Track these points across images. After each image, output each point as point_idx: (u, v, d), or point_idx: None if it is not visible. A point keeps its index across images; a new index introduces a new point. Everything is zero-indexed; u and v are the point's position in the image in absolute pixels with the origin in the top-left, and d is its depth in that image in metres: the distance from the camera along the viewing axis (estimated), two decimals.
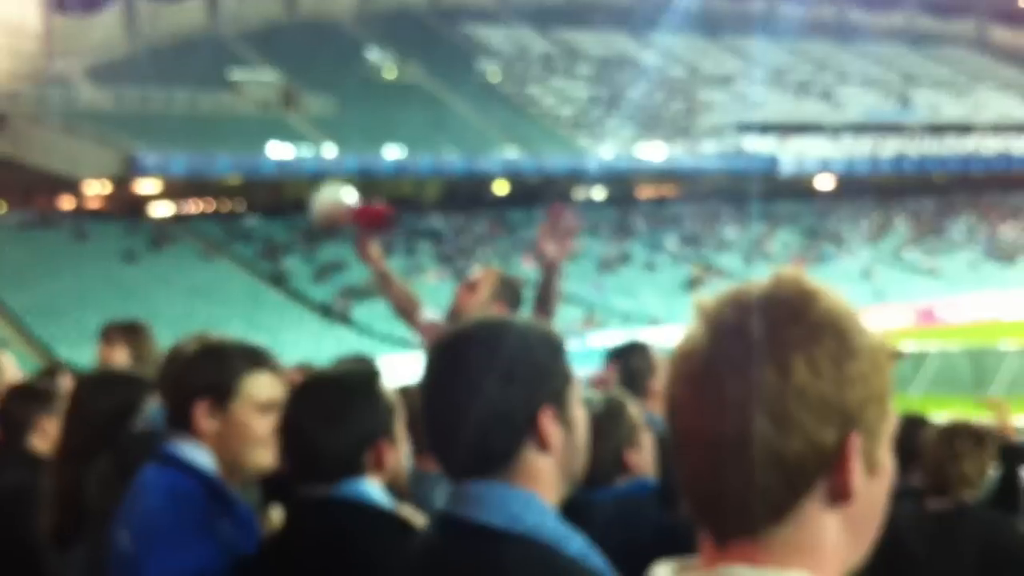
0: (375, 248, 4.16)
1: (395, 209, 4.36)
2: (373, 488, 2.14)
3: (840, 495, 1.04)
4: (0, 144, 42.20)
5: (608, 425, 2.89)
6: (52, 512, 2.94)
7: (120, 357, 4.22)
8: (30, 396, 3.77)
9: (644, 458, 3.02)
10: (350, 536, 2.07)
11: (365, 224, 4.19)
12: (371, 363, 2.30)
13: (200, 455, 2.39)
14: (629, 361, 3.96)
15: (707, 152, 57.76)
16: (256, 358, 2.47)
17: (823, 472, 1.03)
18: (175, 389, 2.46)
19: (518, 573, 1.53)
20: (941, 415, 5.71)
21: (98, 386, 3.07)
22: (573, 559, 1.57)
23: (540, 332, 1.68)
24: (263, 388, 2.43)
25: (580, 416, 1.67)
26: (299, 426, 2.15)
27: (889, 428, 1.08)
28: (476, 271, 4.03)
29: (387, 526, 2.10)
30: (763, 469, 1.02)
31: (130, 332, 4.37)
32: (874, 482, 1.07)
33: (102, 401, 2.98)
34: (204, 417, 2.39)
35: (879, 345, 1.07)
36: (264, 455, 2.41)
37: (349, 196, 4.26)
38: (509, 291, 3.86)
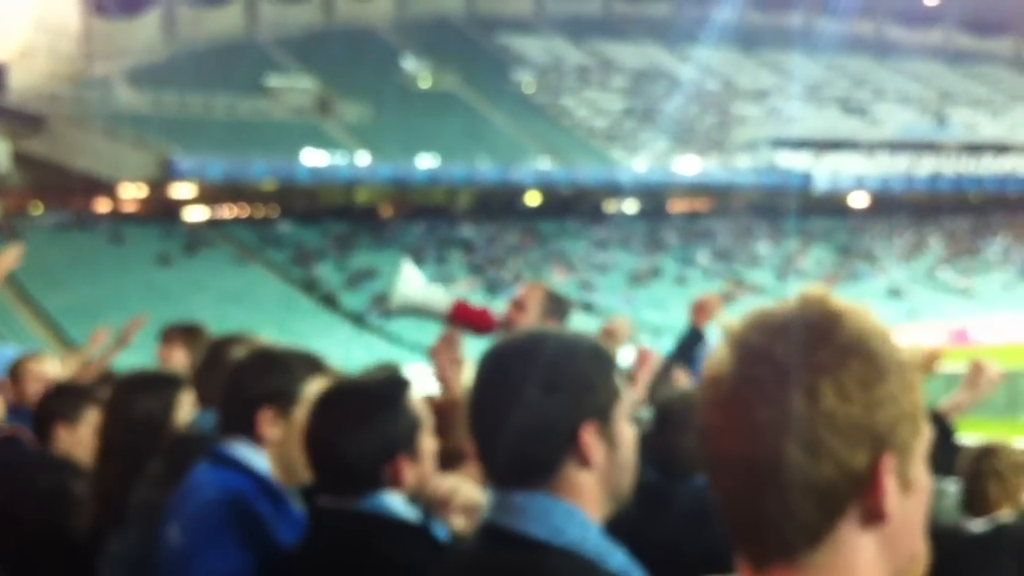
0: (457, 348, 3.94)
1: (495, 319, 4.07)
2: (395, 500, 2.11)
3: (875, 516, 1.03)
4: (38, 145, 42.63)
5: (693, 417, 2.84)
6: (91, 511, 2.99)
7: (179, 358, 4.26)
8: (54, 400, 3.85)
9: None
10: (373, 548, 2.05)
11: (466, 324, 4.00)
12: (399, 373, 2.26)
13: (255, 456, 2.41)
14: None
15: (741, 167, 57.62)
16: (313, 363, 2.51)
17: (856, 495, 1.02)
18: (237, 397, 2.47)
19: None
20: (973, 437, 5.65)
21: (135, 387, 3.12)
22: (614, 574, 1.57)
23: (589, 346, 1.68)
24: None
25: (626, 434, 1.66)
26: (318, 434, 2.13)
27: (923, 444, 1.07)
28: (520, 288, 3.99)
29: (411, 538, 2.08)
30: (795, 495, 1.01)
31: (188, 334, 4.42)
32: (909, 499, 1.06)
33: (139, 402, 3.03)
34: (268, 424, 2.42)
35: (909, 362, 1.07)
36: None
37: (427, 287, 4.14)
38: (557, 305, 3.84)
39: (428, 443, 2.20)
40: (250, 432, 2.43)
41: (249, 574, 2.24)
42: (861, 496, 1.02)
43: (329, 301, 39.93)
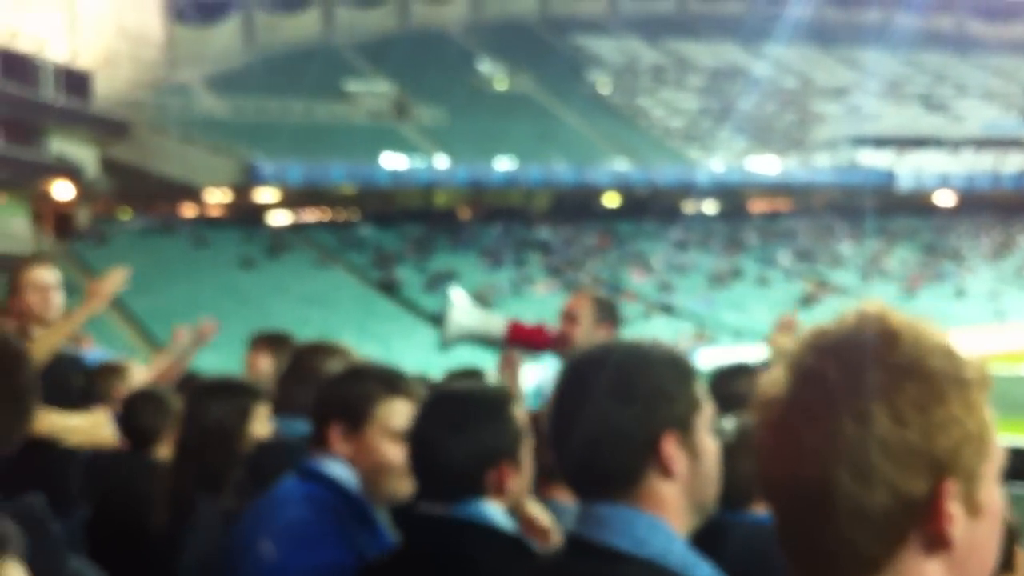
0: (518, 366, 4.06)
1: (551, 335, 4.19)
2: (494, 510, 2.10)
3: (938, 543, 0.98)
4: (124, 151, 43.49)
5: (751, 442, 2.76)
6: (164, 512, 3.07)
7: (264, 365, 4.34)
8: (157, 405, 3.91)
9: None
10: (468, 556, 2.04)
11: (524, 344, 4.10)
12: (487, 379, 2.28)
13: (344, 472, 2.41)
14: (731, 385, 3.81)
15: (821, 165, 56.89)
16: (393, 384, 2.44)
17: (916, 522, 0.98)
18: (314, 408, 2.48)
19: None
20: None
21: (211, 394, 3.19)
22: None
23: (667, 356, 1.67)
24: (398, 415, 2.40)
25: (708, 445, 1.66)
26: (423, 437, 2.13)
27: (993, 466, 1.01)
28: (570, 299, 3.97)
29: (507, 548, 2.06)
30: (847, 523, 0.98)
31: (275, 342, 4.49)
32: (979, 524, 1.00)
33: (213, 409, 3.10)
34: (338, 440, 2.41)
35: (975, 380, 1.01)
36: (400, 483, 2.36)
37: (480, 313, 4.19)
38: (608, 311, 3.82)
39: (528, 456, 2.19)
40: (326, 446, 2.43)
41: (345, 570, 2.25)
42: (921, 523, 0.98)
43: (408, 303, 40.19)
